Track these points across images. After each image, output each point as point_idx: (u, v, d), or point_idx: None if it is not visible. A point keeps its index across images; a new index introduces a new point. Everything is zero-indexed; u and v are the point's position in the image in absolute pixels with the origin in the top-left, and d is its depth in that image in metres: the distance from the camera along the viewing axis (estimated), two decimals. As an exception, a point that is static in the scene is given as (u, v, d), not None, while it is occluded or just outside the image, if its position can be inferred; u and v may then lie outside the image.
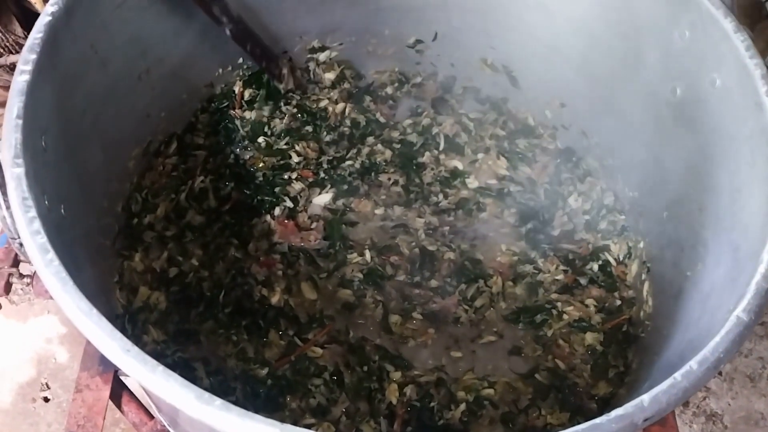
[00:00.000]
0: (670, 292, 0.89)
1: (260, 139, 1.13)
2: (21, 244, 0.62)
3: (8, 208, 0.63)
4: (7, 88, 1.89)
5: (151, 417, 0.97)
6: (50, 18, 0.76)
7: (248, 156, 1.13)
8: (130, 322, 0.93)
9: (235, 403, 0.51)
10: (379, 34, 1.17)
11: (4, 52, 1.85)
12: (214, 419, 0.51)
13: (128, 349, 0.53)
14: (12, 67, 1.86)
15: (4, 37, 1.87)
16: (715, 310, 0.70)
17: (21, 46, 1.88)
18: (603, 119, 1.06)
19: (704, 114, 0.85)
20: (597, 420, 0.53)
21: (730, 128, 0.80)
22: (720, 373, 1.62)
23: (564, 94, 1.11)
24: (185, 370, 0.92)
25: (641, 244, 1.03)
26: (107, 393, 0.94)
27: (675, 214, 0.93)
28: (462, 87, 1.20)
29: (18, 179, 0.63)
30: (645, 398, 0.54)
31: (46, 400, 1.52)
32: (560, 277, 1.04)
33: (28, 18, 1.81)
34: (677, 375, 0.56)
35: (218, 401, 0.51)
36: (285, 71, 1.13)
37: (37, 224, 0.60)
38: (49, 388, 1.53)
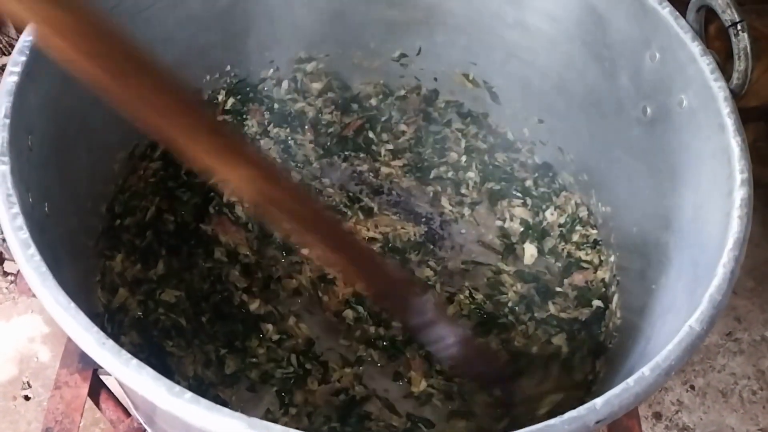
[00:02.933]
0: (636, 305, 0.92)
1: None
2: (3, 240, 0.64)
3: (-8, 204, 0.65)
4: None
5: (129, 415, 0.98)
6: (40, 22, 0.78)
7: None
8: (109, 322, 0.95)
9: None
10: (364, 46, 1.20)
11: (-4, 54, 1.87)
12: (184, 411, 0.53)
13: (103, 342, 0.56)
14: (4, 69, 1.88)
15: (-4, 39, 1.88)
16: (673, 321, 0.73)
17: (13, 48, 1.89)
18: (578, 136, 1.09)
19: (672, 133, 0.88)
20: (551, 421, 0.55)
21: (695, 147, 0.83)
22: (693, 388, 1.65)
23: (542, 110, 1.14)
24: (161, 370, 0.94)
25: (612, 258, 1.06)
26: (86, 390, 0.95)
27: (643, 229, 0.96)
28: (444, 101, 1.23)
29: (3, 176, 0.65)
30: (598, 401, 0.57)
31: (27, 398, 1.53)
32: (531, 291, 1.06)
33: (22, 20, 1.82)
34: (630, 380, 0.58)
35: (188, 394, 0.53)
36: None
37: (20, 220, 0.62)
38: (30, 386, 1.54)
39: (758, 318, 1.76)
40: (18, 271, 1.01)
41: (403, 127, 1.22)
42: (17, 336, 1.59)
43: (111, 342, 0.55)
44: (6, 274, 1.02)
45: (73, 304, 0.57)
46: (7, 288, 1.60)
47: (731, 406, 1.64)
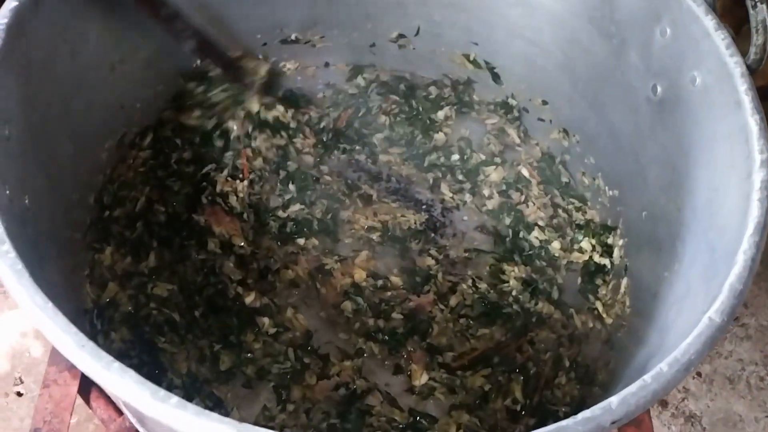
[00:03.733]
0: (647, 292, 0.88)
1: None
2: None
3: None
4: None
5: (120, 413, 0.95)
6: (17, 3, 0.74)
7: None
8: (99, 318, 0.91)
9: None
10: (361, 27, 1.15)
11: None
12: (170, 417, 0.49)
13: (83, 344, 0.52)
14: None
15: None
16: (689, 311, 0.69)
17: None
18: (584, 117, 1.05)
19: (684, 112, 0.84)
20: (563, 422, 0.51)
21: (709, 127, 0.79)
22: (699, 375, 1.62)
23: (546, 91, 1.10)
24: (154, 367, 0.91)
25: (620, 242, 1.02)
26: (75, 388, 0.92)
27: (654, 213, 0.92)
28: (444, 84, 1.19)
29: (-27, 168, 0.61)
30: (613, 400, 0.53)
31: (19, 394, 1.50)
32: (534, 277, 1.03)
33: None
34: (647, 377, 0.54)
35: (174, 399, 0.50)
36: (256, 79, 1.09)
37: (-9, 215, 0.58)
38: (22, 382, 1.50)
39: (766, 303, 1.72)
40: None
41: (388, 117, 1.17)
42: (9, 331, 1.55)
43: (91, 344, 0.52)
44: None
45: (50, 304, 0.53)
46: (-3, 282, 1.57)
47: (738, 392, 1.61)
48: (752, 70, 0.76)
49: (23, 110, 0.74)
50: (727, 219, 0.71)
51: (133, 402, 0.50)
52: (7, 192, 0.65)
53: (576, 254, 1.06)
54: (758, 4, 0.74)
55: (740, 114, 0.73)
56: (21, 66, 0.73)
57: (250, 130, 1.09)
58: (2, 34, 0.70)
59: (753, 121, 0.71)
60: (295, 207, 1.06)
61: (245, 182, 1.06)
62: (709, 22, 0.78)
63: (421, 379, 0.93)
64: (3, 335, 1.56)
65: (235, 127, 1.08)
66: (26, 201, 0.72)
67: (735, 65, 0.75)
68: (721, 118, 0.76)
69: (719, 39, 0.77)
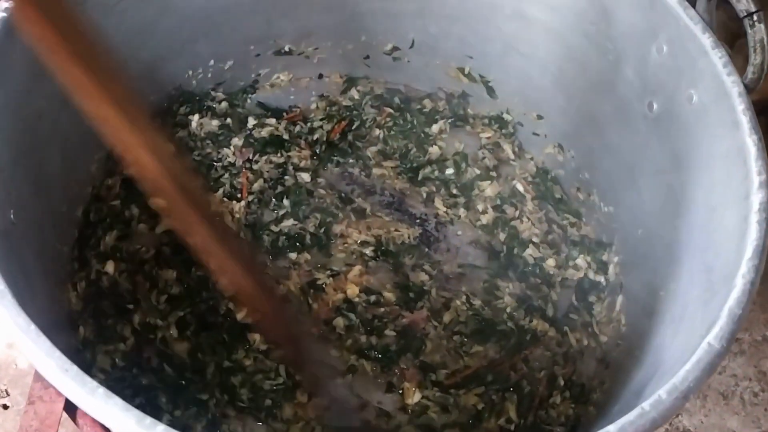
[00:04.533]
0: (642, 311, 0.88)
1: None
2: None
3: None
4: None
5: (108, 430, 0.93)
6: (5, 14, 0.73)
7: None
8: (84, 327, 0.89)
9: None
10: (355, 39, 1.14)
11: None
12: (156, 446, 0.48)
13: (66, 368, 0.50)
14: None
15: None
16: (686, 333, 0.68)
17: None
18: (579, 132, 1.05)
19: (680, 130, 0.83)
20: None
21: (706, 145, 0.79)
22: (694, 390, 1.61)
23: (541, 105, 1.09)
24: (148, 375, 0.89)
25: (615, 259, 1.02)
26: (61, 405, 0.89)
27: (649, 231, 0.92)
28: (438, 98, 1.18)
29: (-44, 184, 0.60)
30: (611, 429, 0.52)
31: (5, 407, 1.47)
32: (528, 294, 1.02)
33: None
34: (645, 405, 0.53)
35: (161, 427, 0.48)
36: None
37: (-26, 232, 0.57)
38: (8, 395, 1.47)
39: (759, 318, 1.72)
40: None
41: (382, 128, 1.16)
42: (-5, 342, 1.53)
43: (75, 368, 0.50)
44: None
45: (33, 326, 0.52)
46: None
47: (732, 408, 1.60)
48: (750, 90, 0.75)
49: (11, 123, 0.73)
50: (725, 240, 0.70)
51: (118, 429, 0.48)
52: (-8, 207, 0.63)
53: (571, 271, 1.05)
54: (756, 23, 0.73)
55: (738, 134, 0.72)
56: (9, 78, 0.72)
57: (251, 156, 1.08)
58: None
59: (751, 141, 0.71)
60: (289, 222, 1.04)
61: (242, 203, 1.04)
62: (707, 40, 0.78)
63: (414, 397, 0.92)
64: (-11, 346, 1.53)
65: (231, 155, 1.07)
66: (11, 215, 0.70)
67: (732, 84, 0.74)
68: (718, 137, 0.76)
69: (716, 57, 0.77)
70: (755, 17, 0.73)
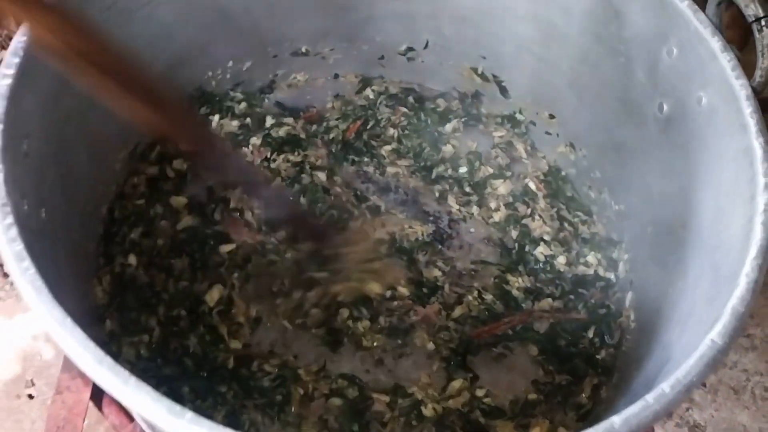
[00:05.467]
0: (651, 307, 0.90)
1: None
2: (-1, 249, 0.62)
3: (-14, 212, 0.63)
4: None
5: (132, 419, 0.97)
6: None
7: None
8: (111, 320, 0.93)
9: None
10: (370, 40, 1.17)
11: (-3, 48, 1.84)
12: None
13: (101, 360, 0.53)
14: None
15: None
16: (693, 330, 0.70)
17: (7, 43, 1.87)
18: (590, 132, 1.07)
19: (690, 132, 0.85)
20: (568, 441, 0.53)
21: (715, 147, 0.80)
22: (704, 385, 1.62)
23: (553, 105, 1.11)
24: (171, 366, 0.92)
25: (625, 257, 1.04)
26: (88, 395, 0.94)
27: (659, 230, 0.93)
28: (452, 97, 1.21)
29: (-4, 184, 0.63)
30: (616, 420, 0.54)
31: (31, 397, 1.52)
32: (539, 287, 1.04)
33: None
34: (649, 397, 0.56)
35: (189, 414, 0.51)
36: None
37: (14, 231, 0.60)
38: (34, 385, 1.52)
39: (771, 313, 1.73)
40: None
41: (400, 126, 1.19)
42: (21, 334, 1.57)
43: (109, 360, 0.53)
44: (7, 275, 1.00)
45: (69, 319, 0.55)
46: (10, 286, 1.59)
47: (743, 403, 1.61)
48: (758, 93, 0.77)
49: (41, 125, 0.76)
50: (732, 239, 0.72)
51: (150, 417, 0.51)
52: (26, 207, 0.67)
53: (582, 268, 1.07)
54: (764, 28, 0.75)
55: (745, 136, 0.74)
56: (39, 82, 0.75)
57: (268, 155, 1.11)
58: (21, 52, 0.72)
59: (758, 144, 0.72)
60: None
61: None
62: (716, 43, 0.80)
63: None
64: (15, 338, 1.58)
65: (249, 154, 1.10)
66: (43, 214, 0.73)
67: (741, 87, 0.76)
68: (726, 138, 0.78)
69: (725, 61, 0.78)
70: (763, 22, 0.75)
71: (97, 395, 0.97)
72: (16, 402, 1.51)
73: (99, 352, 0.54)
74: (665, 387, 0.57)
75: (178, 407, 0.52)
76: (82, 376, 0.94)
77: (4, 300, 1.61)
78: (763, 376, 1.64)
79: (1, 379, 1.52)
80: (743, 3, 0.76)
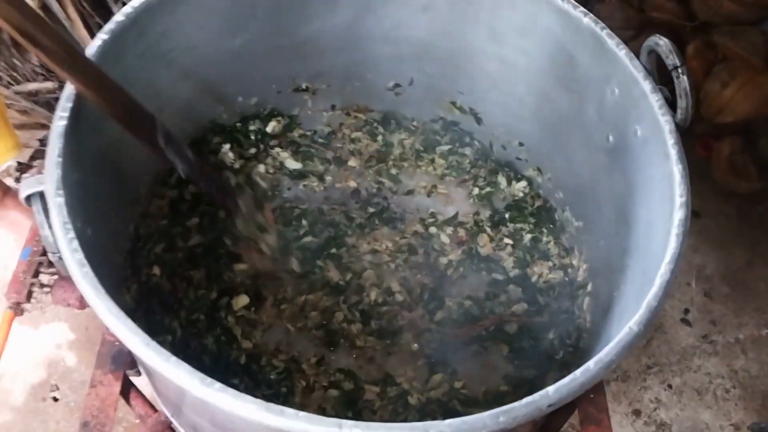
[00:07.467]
0: (600, 309, 1.05)
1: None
2: (60, 258, 0.77)
3: (50, 227, 0.78)
4: (24, 112, 2.04)
5: (155, 410, 1.11)
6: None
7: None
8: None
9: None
10: (362, 78, 1.32)
11: (22, 80, 2.01)
12: (215, 399, 0.66)
13: (148, 343, 0.69)
14: (30, 94, 2.02)
15: (21, 66, 2.02)
16: (624, 323, 0.85)
17: (37, 74, 2.03)
18: (553, 158, 1.22)
19: (630, 159, 1.01)
20: (511, 405, 0.68)
21: (648, 172, 0.96)
22: (670, 387, 1.77)
23: (521, 135, 1.26)
24: (193, 363, 1.06)
25: (584, 266, 1.19)
26: (118, 389, 1.08)
27: (608, 242, 1.09)
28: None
29: (59, 207, 0.78)
30: (550, 389, 0.69)
31: (56, 399, 1.65)
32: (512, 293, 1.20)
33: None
34: (577, 372, 0.71)
35: (218, 384, 0.66)
36: (241, 204, 1.18)
37: (76, 244, 0.75)
38: (58, 389, 1.66)
39: (732, 321, 1.87)
40: (54, 283, 1.14)
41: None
42: (45, 342, 1.72)
43: (154, 343, 0.68)
44: (42, 285, 1.15)
45: (123, 313, 0.70)
46: (35, 298, 1.73)
47: (706, 403, 1.76)
48: (680, 127, 0.92)
49: (87, 157, 0.91)
50: (656, 248, 0.87)
51: (187, 386, 0.66)
52: (80, 225, 0.82)
53: (548, 276, 1.22)
54: (681, 75, 0.91)
55: (668, 163, 0.89)
56: (85, 123, 0.90)
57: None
58: (72, 98, 0.87)
59: (677, 170, 0.88)
60: (308, 238, 1.23)
61: (272, 234, 1.20)
62: (647, 85, 0.95)
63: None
64: (40, 346, 1.72)
65: (261, 182, 1.26)
66: (89, 231, 0.88)
67: (665, 123, 0.91)
68: (655, 165, 0.93)
69: (654, 100, 0.94)
70: (680, 70, 0.91)
71: (126, 390, 1.11)
72: (42, 404, 1.65)
73: (146, 337, 0.69)
74: (590, 364, 0.72)
75: (208, 379, 0.67)
76: (113, 372, 1.09)
77: (30, 312, 1.75)
78: (724, 378, 1.79)
79: (27, 383, 1.66)
80: (664, 54, 0.92)
